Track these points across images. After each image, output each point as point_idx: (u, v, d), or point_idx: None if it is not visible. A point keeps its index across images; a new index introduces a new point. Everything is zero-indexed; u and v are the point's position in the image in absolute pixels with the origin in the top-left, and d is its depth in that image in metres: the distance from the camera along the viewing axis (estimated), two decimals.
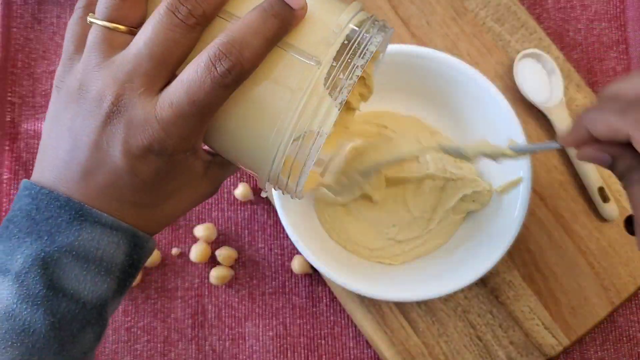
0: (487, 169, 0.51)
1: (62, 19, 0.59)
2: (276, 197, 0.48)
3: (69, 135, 0.32)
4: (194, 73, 0.30)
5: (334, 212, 0.51)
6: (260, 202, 0.56)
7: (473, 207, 0.50)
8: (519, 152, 0.41)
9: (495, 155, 0.42)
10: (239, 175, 0.56)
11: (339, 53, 0.31)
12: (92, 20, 0.32)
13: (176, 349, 0.54)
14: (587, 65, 0.57)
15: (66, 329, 0.32)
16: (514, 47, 0.55)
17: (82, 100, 0.32)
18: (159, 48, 0.30)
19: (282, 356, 0.53)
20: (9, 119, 0.57)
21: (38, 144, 0.57)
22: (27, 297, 0.31)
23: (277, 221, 0.55)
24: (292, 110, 0.31)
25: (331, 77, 0.31)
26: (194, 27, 0.31)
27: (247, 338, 0.54)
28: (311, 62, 0.31)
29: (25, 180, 0.33)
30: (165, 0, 0.31)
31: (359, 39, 0.31)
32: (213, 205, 0.56)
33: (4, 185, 0.56)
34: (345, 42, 0.31)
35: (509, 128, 0.48)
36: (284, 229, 0.49)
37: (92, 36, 0.32)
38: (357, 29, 0.32)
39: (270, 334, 0.54)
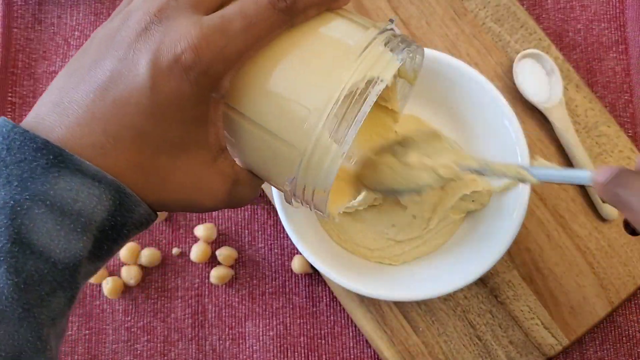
0: None
1: (62, 20, 0.59)
2: (276, 197, 0.48)
3: (89, 65, 0.29)
4: None
5: None
6: (261, 202, 0.56)
7: (473, 207, 0.50)
8: (543, 180, 0.37)
9: (520, 179, 0.38)
10: None
11: (390, 38, 0.32)
12: None
13: (176, 348, 0.54)
14: (587, 65, 0.58)
15: (32, 290, 0.27)
16: (513, 47, 0.56)
17: (121, 27, 0.29)
18: None
19: (282, 356, 0.54)
20: (9, 119, 0.57)
21: None
22: None
23: (277, 221, 0.55)
24: (352, 62, 0.31)
25: (391, 42, 0.32)
26: None
27: (247, 338, 0.54)
28: (371, 28, 0.32)
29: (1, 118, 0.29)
30: None
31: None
32: None
33: None
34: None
35: (509, 128, 0.48)
36: (284, 229, 0.49)
37: None
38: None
39: (271, 333, 0.54)
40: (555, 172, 0.36)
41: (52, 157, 0.27)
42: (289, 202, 0.34)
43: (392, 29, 0.33)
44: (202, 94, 0.29)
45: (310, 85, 0.30)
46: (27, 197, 0.27)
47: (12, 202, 0.27)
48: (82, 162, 0.28)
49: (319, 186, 0.32)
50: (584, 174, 0.34)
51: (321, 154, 0.30)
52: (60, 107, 0.29)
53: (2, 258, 0.26)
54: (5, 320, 0.26)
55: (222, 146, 0.33)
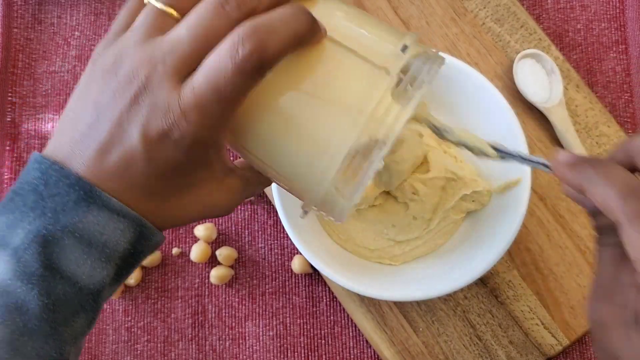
0: (487, 169, 0.51)
1: (62, 20, 0.59)
2: (276, 197, 0.48)
3: (93, 108, 0.31)
4: (216, 57, 0.28)
5: None
6: (261, 202, 0.56)
7: (473, 207, 0.50)
8: (502, 156, 0.37)
9: (477, 151, 0.37)
10: None
11: (406, 67, 0.30)
12: (150, 0, 0.31)
13: (176, 348, 0.54)
14: (587, 65, 0.58)
15: (59, 311, 0.30)
16: (513, 47, 0.56)
17: (114, 75, 0.31)
18: (199, 33, 0.29)
19: (282, 356, 0.54)
20: (9, 119, 0.57)
21: (38, 144, 0.57)
22: (23, 275, 0.29)
23: (277, 221, 0.55)
24: (358, 118, 0.29)
25: (400, 86, 0.30)
26: (238, 19, 0.29)
27: (247, 338, 0.54)
28: (380, 70, 0.29)
29: (35, 152, 0.32)
30: None
31: (421, 60, 0.31)
32: None
33: (5, 185, 0.56)
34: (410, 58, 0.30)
35: (508, 128, 0.48)
36: (284, 229, 0.49)
37: (143, 16, 0.31)
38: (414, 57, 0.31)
39: (271, 333, 0.54)
40: (516, 152, 0.35)
41: (83, 192, 0.30)
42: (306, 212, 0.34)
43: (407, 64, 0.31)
44: (197, 154, 0.31)
45: (310, 150, 0.30)
46: (59, 228, 0.30)
47: (44, 231, 0.30)
48: (109, 198, 0.30)
49: (335, 218, 0.32)
50: (545, 166, 0.34)
51: (331, 204, 0.31)
52: (79, 147, 0.31)
53: (34, 281, 0.29)
54: (34, 337, 0.30)
55: (229, 167, 0.34)
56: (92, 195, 0.30)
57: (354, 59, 0.30)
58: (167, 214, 0.33)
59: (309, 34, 0.30)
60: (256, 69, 0.28)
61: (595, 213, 0.32)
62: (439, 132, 0.38)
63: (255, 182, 0.36)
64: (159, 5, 0.31)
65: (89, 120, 0.31)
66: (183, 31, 0.30)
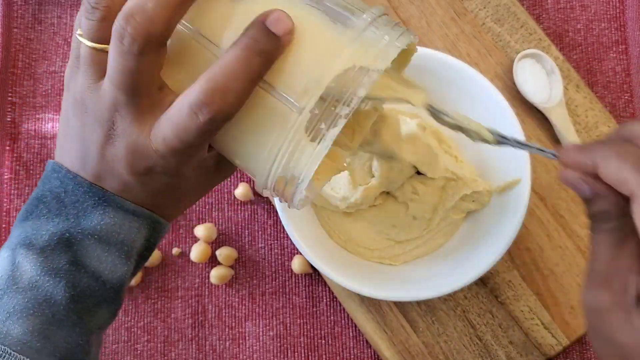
0: (487, 169, 0.51)
1: (62, 20, 0.59)
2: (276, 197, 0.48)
3: (78, 140, 0.33)
4: (178, 116, 0.29)
5: (333, 212, 0.51)
6: (261, 202, 0.56)
7: (473, 207, 0.50)
8: (500, 140, 0.36)
9: (474, 135, 0.37)
10: (239, 175, 0.56)
11: (322, 100, 0.29)
12: (80, 38, 0.31)
13: (176, 348, 0.54)
14: (587, 65, 0.58)
15: (84, 302, 0.33)
16: (513, 47, 0.56)
17: (85, 113, 0.32)
18: (123, 79, 0.29)
19: (282, 356, 0.54)
20: (9, 119, 0.57)
21: (39, 144, 0.57)
22: (51, 270, 0.32)
23: (277, 221, 0.55)
24: (272, 155, 0.30)
25: (312, 125, 0.29)
26: (144, 53, 0.29)
27: (247, 338, 0.54)
28: (292, 108, 0.29)
29: (51, 161, 0.34)
30: (115, 22, 0.29)
31: (347, 85, 0.29)
32: (213, 205, 0.56)
33: (5, 185, 0.56)
34: (332, 85, 0.29)
35: (508, 128, 0.48)
36: (284, 229, 0.49)
37: (82, 52, 0.31)
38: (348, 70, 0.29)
39: (271, 333, 0.54)
40: (517, 139, 0.35)
41: (97, 197, 0.33)
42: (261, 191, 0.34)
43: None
44: (186, 171, 0.33)
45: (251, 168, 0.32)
46: (80, 230, 0.32)
47: (67, 234, 0.32)
48: (123, 201, 0.33)
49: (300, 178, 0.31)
50: (550, 153, 0.34)
51: (299, 152, 0.30)
52: (81, 173, 0.34)
53: (62, 275, 0.32)
54: (62, 326, 0.32)
55: (218, 156, 0.35)
56: (106, 199, 0.33)
57: (270, 100, 0.29)
58: (174, 207, 0.36)
59: (265, 71, 0.29)
60: (219, 127, 0.29)
61: (590, 200, 0.32)
62: (437, 115, 0.37)
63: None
64: (89, 44, 0.31)
65: (79, 152, 0.33)
66: (111, 76, 0.30)
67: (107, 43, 0.30)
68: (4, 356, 0.31)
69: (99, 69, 0.31)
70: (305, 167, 0.30)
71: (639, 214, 0.28)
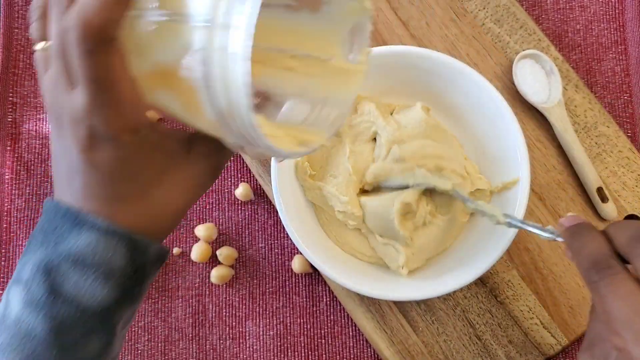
0: (487, 169, 0.51)
1: None
2: (277, 197, 0.48)
3: (53, 151, 0.34)
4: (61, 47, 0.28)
5: (331, 216, 0.51)
6: (261, 202, 0.56)
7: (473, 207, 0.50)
8: (509, 223, 0.43)
9: (492, 218, 0.44)
10: (239, 175, 0.56)
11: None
12: (35, 48, 0.32)
13: (177, 348, 0.54)
14: (586, 65, 0.58)
15: (67, 334, 0.32)
16: (513, 47, 0.56)
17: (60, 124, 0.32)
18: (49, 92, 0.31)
19: (282, 355, 0.54)
20: (10, 119, 0.57)
21: (39, 144, 0.57)
22: (31, 302, 0.32)
23: (278, 221, 0.55)
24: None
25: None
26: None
27: (247, 337, 0.54)
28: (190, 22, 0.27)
29: (46, 199, 0.34)
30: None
31: None
32: (214, 205, 0.56)
33: (6, 185, 0.56)
34: None
35: (508, 128, 0.48)
36: (284, 229, 0.49)
37: (36, 57, 0.32)
38: None
39: (271, 333, 0.54)
40: (525, 223, 0.41)
41: (73, 219, 0.32)
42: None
43: None
44: (134, 142, 0.31)
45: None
46: (57, 255, 0.32)
47: (46, 260, 0.32)
48: (95, 219, 0.32)
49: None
50: (552, 235, 0.39)
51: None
52: (57, 184, 0.34)
53: (40, 306, 0.31)
54: None
55: (183, 140, 0.34)
56: (80, 219, 0.32)
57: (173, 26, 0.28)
58: (151, 213, 0.33)
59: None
60: (97, 44, 0.27)
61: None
62: (463, 200, 0.44)
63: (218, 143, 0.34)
64: (38, 47, 0.31)
65: (55, 162, 0.33)
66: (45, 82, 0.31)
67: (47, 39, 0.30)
68: None
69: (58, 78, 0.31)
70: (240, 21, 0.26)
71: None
